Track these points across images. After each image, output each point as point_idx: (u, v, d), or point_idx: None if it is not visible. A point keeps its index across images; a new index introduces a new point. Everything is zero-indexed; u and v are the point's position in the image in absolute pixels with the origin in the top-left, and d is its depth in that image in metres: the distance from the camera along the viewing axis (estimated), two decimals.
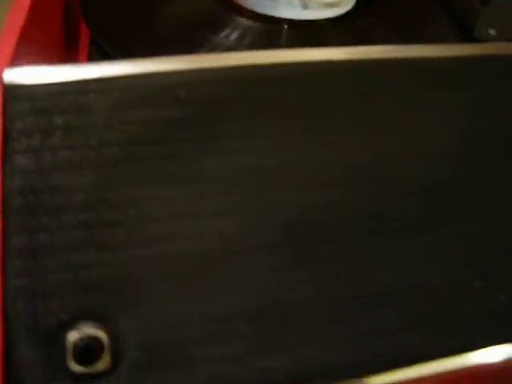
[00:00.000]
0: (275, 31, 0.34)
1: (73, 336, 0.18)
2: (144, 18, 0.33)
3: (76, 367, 0.18)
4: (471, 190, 0.23)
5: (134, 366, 0.19)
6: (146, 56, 0.21)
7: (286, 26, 0.34)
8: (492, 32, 0.29)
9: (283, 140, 0.21)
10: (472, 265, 0.22)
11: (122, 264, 0.19)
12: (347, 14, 0.35)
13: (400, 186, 0.22)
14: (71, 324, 0.18)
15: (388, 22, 0.34)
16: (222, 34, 0.33)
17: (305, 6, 0.34)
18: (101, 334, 0.18)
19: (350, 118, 0.22)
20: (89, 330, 0.18)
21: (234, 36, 0.33)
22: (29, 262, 0.19)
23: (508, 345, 0.22)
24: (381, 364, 0.21)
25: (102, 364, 0.18)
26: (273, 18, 0.34)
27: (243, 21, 0.34)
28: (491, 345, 0.21)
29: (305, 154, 0.21)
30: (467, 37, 0.30)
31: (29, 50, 0.24)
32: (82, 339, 0.18)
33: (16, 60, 0.22)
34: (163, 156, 0.20)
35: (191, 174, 0.20)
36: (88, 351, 0.18)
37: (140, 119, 0.20)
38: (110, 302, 0.19)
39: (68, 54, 0.30)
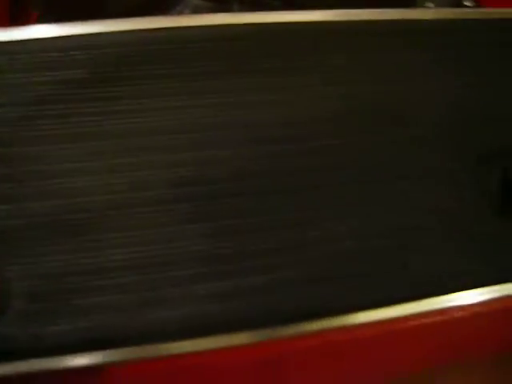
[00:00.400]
0: (225, 9, 0.34)
1: None
2: None
3: None
4: (393, 149, 0.23)
5: (18, 314, 0.19)
6: None
7: (235, 5, 0.34)
8: (430, 5, 0.29)
9: (179, 101, 0.22)
10: (383, 223, 0.22)
11: (11, 217, 0.20)
12: None
13: (300, 145, 0.22)
14: None
15: None
16: (173, 13, 0.34)
17: None
18: None
19: (249, 79, 0.22)
20: None
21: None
22: None
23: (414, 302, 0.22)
24: (273, 319, 0.21)
25: None
26: None
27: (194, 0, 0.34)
28: (402, 302, 0.22)
29: (202, 115, 0.22)
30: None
31: None
32: None
33: None
34: (60, 115, 0.21)
35: (87, 132, 0.21)
36: None
37: (42, 80, 0.21)
38: None
39: None
